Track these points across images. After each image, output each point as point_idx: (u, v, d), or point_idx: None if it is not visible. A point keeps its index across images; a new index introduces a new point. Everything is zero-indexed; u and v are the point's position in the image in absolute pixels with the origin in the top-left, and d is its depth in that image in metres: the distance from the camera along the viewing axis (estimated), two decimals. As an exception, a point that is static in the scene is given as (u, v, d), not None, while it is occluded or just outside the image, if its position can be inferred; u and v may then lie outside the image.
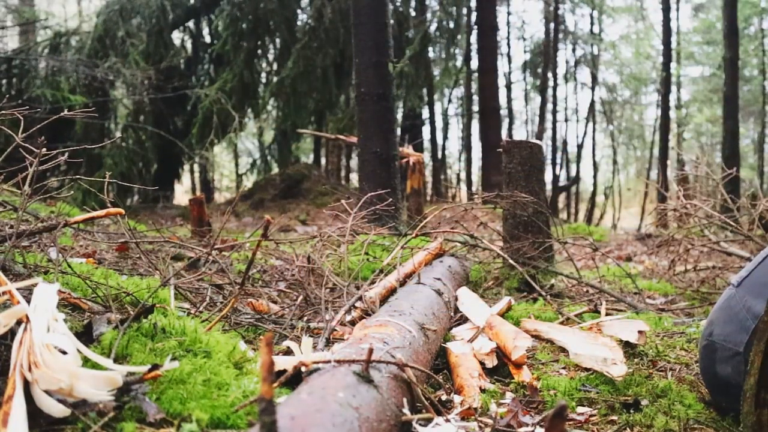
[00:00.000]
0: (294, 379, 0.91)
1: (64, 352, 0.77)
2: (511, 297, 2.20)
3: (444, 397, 1.22)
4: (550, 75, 17.76)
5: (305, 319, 1.87)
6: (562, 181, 19.28)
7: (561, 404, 0.49)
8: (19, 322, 0.77)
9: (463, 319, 1.93)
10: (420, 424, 0.89)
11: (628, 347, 1.56)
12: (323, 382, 0.78)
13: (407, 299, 1.52)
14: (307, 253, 2.48)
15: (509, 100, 19.85)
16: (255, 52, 11.03)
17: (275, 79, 10.72)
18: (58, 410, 0.70)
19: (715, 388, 1.16)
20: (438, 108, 18.18)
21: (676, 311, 2.16)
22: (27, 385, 0.71)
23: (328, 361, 0.85)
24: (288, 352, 1.16)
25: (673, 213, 3.75)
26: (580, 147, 20.08)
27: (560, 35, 18.58)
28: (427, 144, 16.77)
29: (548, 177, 17.47)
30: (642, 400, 1.20)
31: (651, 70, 20.66)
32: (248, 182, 14.65)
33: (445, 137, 18.50)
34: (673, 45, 16.55)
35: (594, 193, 20.11)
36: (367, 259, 2.74)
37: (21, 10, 10.85)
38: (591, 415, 1.16)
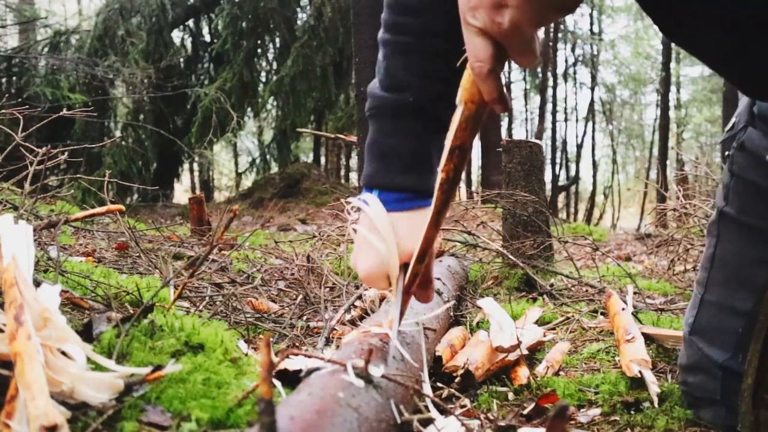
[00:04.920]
0: (294, 379, 0.91)
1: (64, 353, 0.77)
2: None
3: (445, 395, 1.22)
4: (549, 74, 17.77)
5: (305, 318, 1.87)
6: (562, 181, 19.30)
7: (562, 405, 0.49)
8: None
9: (460, 319, 1.93)
10: (420, 424, 0.89)
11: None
12: (323, 382, 0.78)
13: (407, 299, 1.52)
14: (307, 253, 2.48)
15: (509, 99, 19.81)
16: (255, 51, 11.03)
17: (275, 78, 10.72)
18: (59, 412, 0.70)
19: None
20: (438, 107, 18.15)
21: (675, 311, 2.16)
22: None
23: (328, 361, 0.85)
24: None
25: (673, 213, 3.75)
26: (579, 147, 20.11)
27: (560, 34, 18.58)
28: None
29: (548, 176, 17.48)
30: (643, 401, 1.20)
31: (650, 69, 20.67)
32: (248, 181, 14.66)
33: (445, 136, 18.49)
34: (673, 45, 16.54)
35: (593, 193, 20.14)
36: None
37: (21, 8, 10.85)
38: (595, 416, 1.16)
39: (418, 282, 1.02)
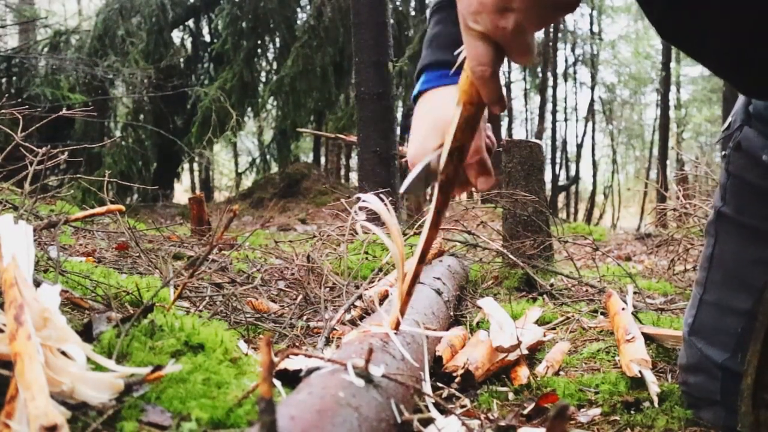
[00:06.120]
0: (294, 379, 0.91)
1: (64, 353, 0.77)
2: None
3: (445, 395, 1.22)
4: (549, 74, 17.76)
5: (305, 318, 1.87)
6: (562, 181, 19.30)
7: (563, 404, 0.49)
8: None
9: (460, 319, 1.93)
10: (421, 424, 0.89)
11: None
12: (323, 382, 0.78)
13: (407, 299, 1.52)
14: (307, 252, 2.48)
15: (509, 99, 19.82)
16: (255, 51, 11.03)
17: (275, 78, 10.72)
18: (59, 412, 0.70)
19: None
20: (438, 107, 18.15)
21: (675, 311, 2.17)
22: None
23: (328, 361, 0.85)
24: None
25: (673, 213, 3.75)
26: (579, 146, 20.11)
27: (560, 34, 18.58)
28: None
29: (548, 176, 17.48)
30: (643, 401, 1.20)
31: (650, 69, 20.68)
32: (248, 181, 14.67)
33: (445, 136, 18.48)
34: (673, 45, 16.49)
35: (593, 193, 20.13)
36: (367, 258, 2.74)
37: (21, 8, 10.84)
38: (595, 416, 1.16)
39: (471, 164, 1.00)
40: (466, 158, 0.89)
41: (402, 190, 0.97)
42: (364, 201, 1.06)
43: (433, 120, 1.01)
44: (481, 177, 1.02)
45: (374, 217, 1.06)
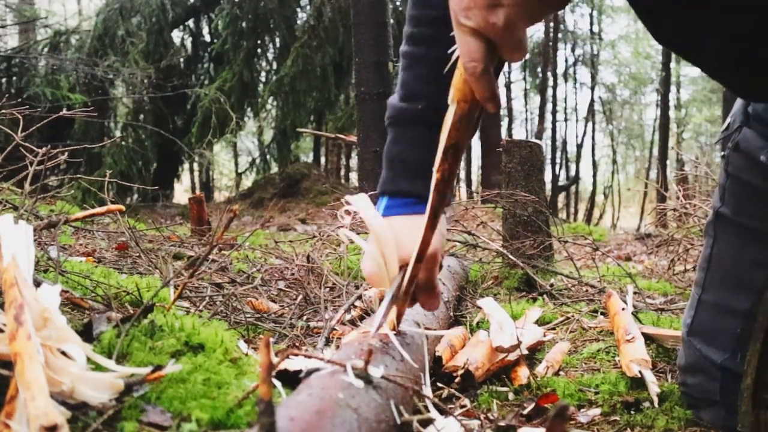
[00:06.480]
0: (294, 380, 0.91)
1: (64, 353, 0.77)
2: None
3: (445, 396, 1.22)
4: (549, 74, 17.76)
5: (305, 318, 1.87)
6: (562, 181, 19.30)
7: (562, 405, 0.49)
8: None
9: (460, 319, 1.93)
10: (420, 425, 0.89)
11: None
12: (323, 383, 0.78)
13: (407, 299, 1.52)
14: (307, 253, 2.48)
15: (509, 99, 19.84)
16: (254, 51, 11.03)
17: (275, 78, 10.71)
18: (59, 412, 0.70)
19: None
20: (437, 107, 18.18)
21: (675, 311, 2.17)
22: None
23: (328, 362, 0.85)
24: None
25: (673, 213, 3.75)
26: (579, 146, 20.12)
27: (560, 35, 18.57)
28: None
29: (548, 176, 17.48)
30: (643, 401, 1.20)
31: (650, 69, 20.68)
32: (248, 181, 14.67)
33: (445, 136, 18.48)
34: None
35: (593, 193, 20.14)
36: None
37: (21, 8, 10.84)
38: (595, 416, 1.16)
39: (421, 287, 1.04)
40: (461, 157, 0.88)
41: (372, 333, 1.01)
42: (349, 205, 1.07)
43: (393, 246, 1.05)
44: (429, 300, 1.11)
45: None
